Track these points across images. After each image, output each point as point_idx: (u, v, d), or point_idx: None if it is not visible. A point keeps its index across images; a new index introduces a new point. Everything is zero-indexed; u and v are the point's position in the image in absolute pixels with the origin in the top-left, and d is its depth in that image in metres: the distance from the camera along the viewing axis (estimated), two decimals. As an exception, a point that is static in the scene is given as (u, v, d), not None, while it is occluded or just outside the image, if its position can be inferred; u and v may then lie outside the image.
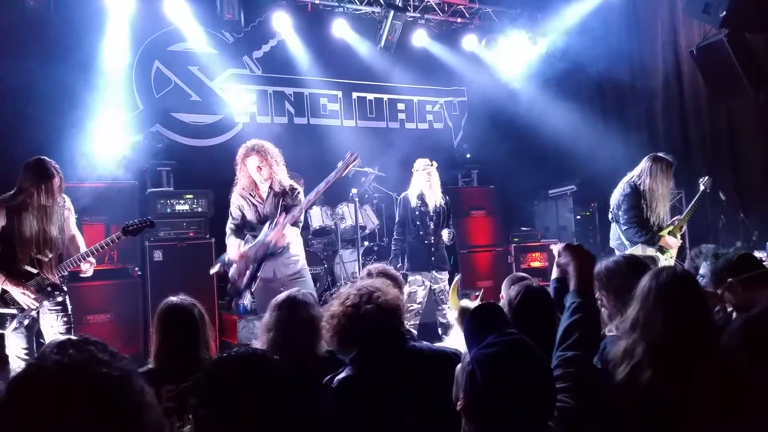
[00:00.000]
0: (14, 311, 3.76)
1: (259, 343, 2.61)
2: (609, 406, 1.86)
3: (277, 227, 4.36)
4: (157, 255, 6.00)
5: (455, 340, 2.63)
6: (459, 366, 1.61)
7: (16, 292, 3.74)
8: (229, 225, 4.69)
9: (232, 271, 4.50)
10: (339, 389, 2.13)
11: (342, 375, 2.16)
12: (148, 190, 6.31)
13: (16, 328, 3.77)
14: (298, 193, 4.63)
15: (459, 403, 1.56)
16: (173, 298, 2.71)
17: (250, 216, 4.62)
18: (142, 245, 6.02)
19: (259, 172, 4.50)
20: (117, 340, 5.60)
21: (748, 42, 6.59)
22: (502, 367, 1.48)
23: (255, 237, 4.56)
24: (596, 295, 2.45)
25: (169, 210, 6.19)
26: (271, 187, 4.60)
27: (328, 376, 2.21)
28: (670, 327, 1.87)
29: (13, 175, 3.97)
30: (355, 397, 2.11)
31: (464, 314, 2.62)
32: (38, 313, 3.88)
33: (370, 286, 2.29)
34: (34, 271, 3.84)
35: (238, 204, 4.67)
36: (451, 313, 2.75)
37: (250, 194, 4.62)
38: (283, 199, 4.57)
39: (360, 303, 2.22)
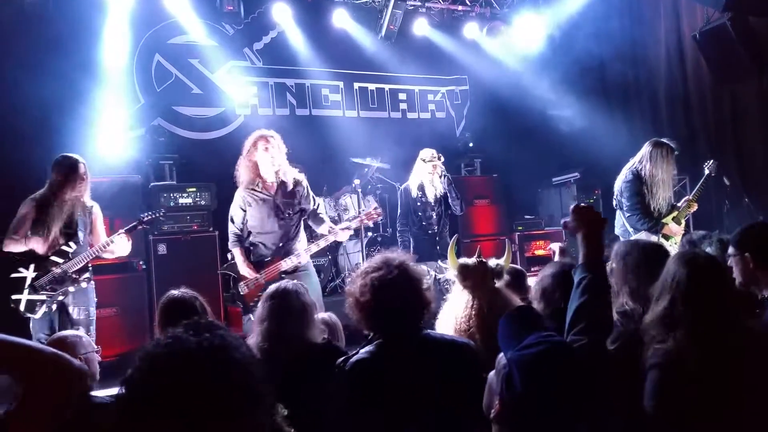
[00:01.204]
0: (44, 297, 4.13)
1: (253, 336, 2.64)
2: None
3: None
4: (161, 248, 6.02)
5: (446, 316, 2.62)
6: (492, 373, 1.56)
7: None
8: (233, 231, 4.67)
9: (241, 287, 4.58)
10: (352, 371, 2.12)
11: (356, 357, 2.16)
12: (151, 184, 6.31)
13: (45, 313, 4.13)
14: (305, 187, 4.72)
15: (493, 410, 1.51)
16: (174, 292, 2.74)
17: (256, 212, 4.57)
18: (146, 239, 6.03)
19: (270, 159, 4.51)
20: (122, 334, 5.64)
21: (751, 26, 6.53)
22: (543, 368, 1.43)
23: (259, 242, 4.61)
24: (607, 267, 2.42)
25: (172, 203, 6.20)
26: (279, 178, 4.61)
27: (342, 358, 2.21)
28: (713, 316, 1.80)
29: (11, 168, 4.01)
30: (368, 380, 2.11)
31: (464, 271, 2.60)
32: (64, 299, 4.22)
33: (396, 257, 2.26)
34: (61, 260, 4.21)
35: (240, 202, 4.61)
36: (450, 271, 2.72)
37: (255, 188, 4.60)
38: (294, 194, 4.64)
39: (385, 270, 2.19)
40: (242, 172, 4.62)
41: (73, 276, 4.24)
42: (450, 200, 5.66)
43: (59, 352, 1.59)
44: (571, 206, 1.90)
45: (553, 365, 1.42)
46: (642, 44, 8.25)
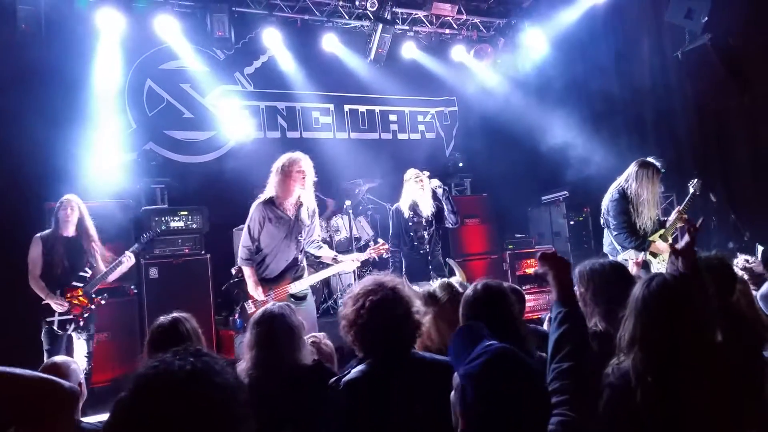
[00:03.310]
0: (71, 316, 4.84)
1: (243, 362, 2.64)
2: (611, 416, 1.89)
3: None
4: (153, 272, 6.02)
5: None
6: (453, 393, 1.63)
7: (54, 303, 4.80)
8: (247, 246, 4.70)
9: (248, 305, 4.68)
10: (346, 390, 2.17)
11: (349, 377, 2.21)
12: (143, 208, 6.34)
13: (74, 330, 4.86)
14: (316, 217, 4.95)
15: (459, 428, 1.57)
16: (161, 318, 2.75)
17: (273, 229, 4.67)
18: (138, 263, 6.03)
19: (301, 190, 4.68)
20: (114, 359, 5.63)
21: (731, 45, 6.68)
22: (488, 376, 1.51)
23: (269, 261, 4.69)
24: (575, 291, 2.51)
25: (163, 227, 6.21)
26: (300, 201, 4.75)
27: (334, 378, 2.26)
28: (668, 337, 1.88)
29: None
30: (361, 398, 2.15)
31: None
32: (85, 318, 4.90)
33: (388, 280, 2.33)
34: (80, 285, 4.92)
35: (259, 217, 4.68)
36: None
37: (278, 207, 4.70)
38: (307, 219, 4.79)
39: (378, 291, 2.27)
40: (271, 189, 4.71)
41: (93, 296, 4.95)
42: (446, 212, 5.72)
43: (46, 376, 1.62)
44: (537, 255, 2.18)
45: (497, 371, 1.52)
46: (627, 64, 8.39)
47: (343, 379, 2.20)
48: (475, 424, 1.49)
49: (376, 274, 2.43)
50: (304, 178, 4.68)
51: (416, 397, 2.14)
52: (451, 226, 5.90)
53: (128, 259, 5.05)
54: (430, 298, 2.90)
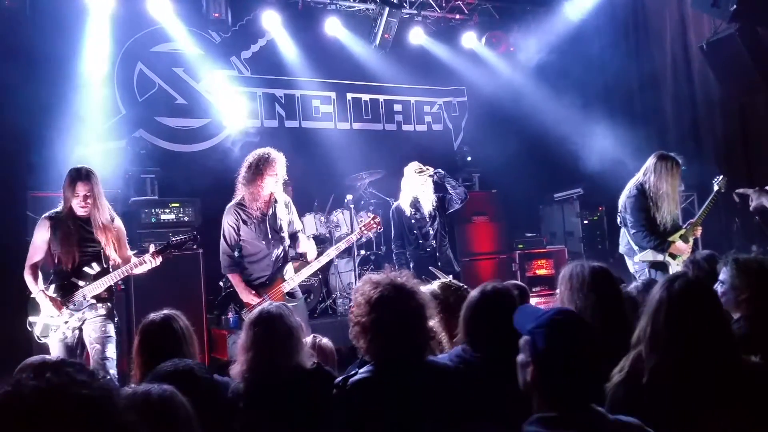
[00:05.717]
0: (59, 322, 4.05)
1: (238, 365, 2.60)
2: None
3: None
4: (142, 267, 5.98)
5: None
6: (519, 356, 1.81)
7: (47, 306, 4.01)
8: (228, 253, 4.68)
9: (245, 315, 4.60)
10: (354, 390, 2.19)
11: (357, 377, 2.22)
12: (132, 199, 6.31)
13: (60, 339, 4.04)
14: (292, 206, 4.89)
15: (529, 375, 1.75)
16: (152, 315, 2.72)
17: (252, 231, 4.65)
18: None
19: (274, 185, 4.63)
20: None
21: (760, 36, 6.61)
22: (558, 324, 1.75)
23: (255, 263, 4.65)
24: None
25: (153, 220, 6.19)
26: (273, 197, 4.71)
27: (341, 377, 2.26)
28: (675, 343, 1.97)
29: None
30: (371, 398, 2.17)
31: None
32: (82, 325, 4.11)
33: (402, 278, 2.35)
34: (82, 283, 4.10)
35: (233, 220, 4.65)
36: None
37: (251, 207, 4.65)
38: (285, 212, 4.76)
39: (389, 291, 2.27)
40: (242, 189, 4.67)
41: (91, 301, 4.12)
42: (449, 191, 5.67)
43: None
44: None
45: (563, 321, 1.76)
46: (647, 55, 8.34)
47: (351, 379, 2.21)
48: (547, 369, 1.71)
49: (378, 273, 2.42)
50: (276, 180, 4.64)
51: (425, 399, 2.17)
52: (460, 204, 5.82)
53: (150, 259, 4.38)
54: (436, 301, 2.88)
